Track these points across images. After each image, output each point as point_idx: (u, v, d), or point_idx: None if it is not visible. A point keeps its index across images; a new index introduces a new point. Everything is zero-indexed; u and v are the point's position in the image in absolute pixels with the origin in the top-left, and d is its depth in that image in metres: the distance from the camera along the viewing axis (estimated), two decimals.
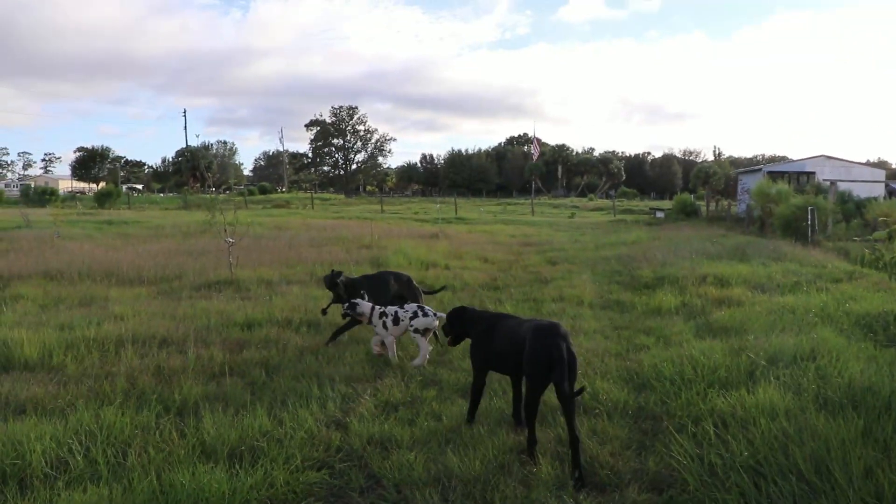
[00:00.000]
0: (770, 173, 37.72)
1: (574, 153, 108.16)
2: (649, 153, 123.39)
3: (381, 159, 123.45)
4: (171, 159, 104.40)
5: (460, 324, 5.57)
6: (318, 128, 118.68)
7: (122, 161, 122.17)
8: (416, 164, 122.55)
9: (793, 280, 11.55)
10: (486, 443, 4.80)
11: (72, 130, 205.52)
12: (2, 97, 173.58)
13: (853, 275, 12.29)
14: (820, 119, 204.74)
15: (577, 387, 4.61)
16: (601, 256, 17.19)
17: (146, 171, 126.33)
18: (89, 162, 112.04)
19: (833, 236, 21.04)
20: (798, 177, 37.55)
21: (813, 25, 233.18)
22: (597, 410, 5.48)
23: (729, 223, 31.23)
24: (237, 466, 4.37)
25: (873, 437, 4.38)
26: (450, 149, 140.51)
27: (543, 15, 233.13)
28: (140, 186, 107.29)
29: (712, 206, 42.65)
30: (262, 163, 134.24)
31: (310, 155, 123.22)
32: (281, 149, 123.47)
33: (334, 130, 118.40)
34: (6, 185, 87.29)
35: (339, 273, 8.24)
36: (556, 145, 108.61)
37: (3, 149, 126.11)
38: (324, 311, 8.33)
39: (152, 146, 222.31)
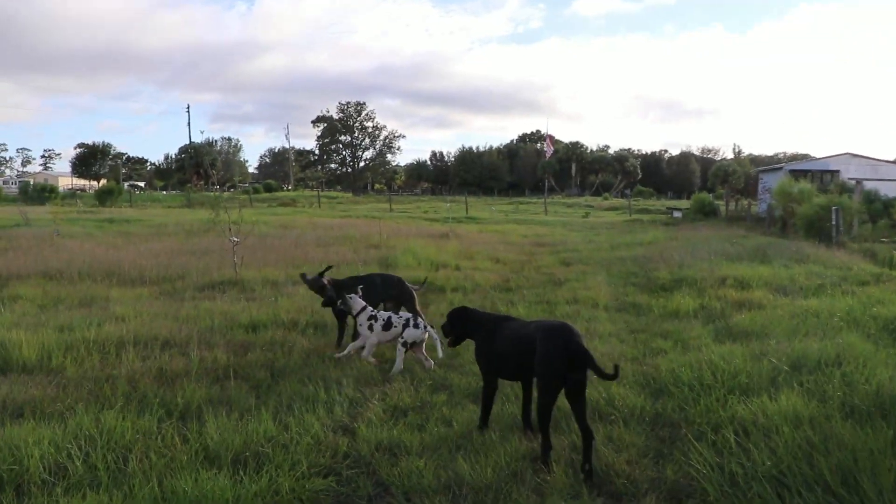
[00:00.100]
0: (792, 172, 37.48)
1: (588, 151, 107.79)
2: (666, 151, 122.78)
3: (389, 157, 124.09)
4: (174, 156, 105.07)
5: (461, 324, 5.55)
6: (325, 124, 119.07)
7: (124, 158, 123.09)
8: (426, 161, 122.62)
9: (816, 283, 11.47)
10: (498, 449, 4.78)
11: (72, 126, 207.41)
12: (1, 92, 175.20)
13: (880, 277, 12.21)
14: (845, 116, 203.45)
15: (587, 393, 4.59)
16: (616, 257, 17.15)
17: (148, 168, 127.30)
18: (90, 158, 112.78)
19: (859, 237, 20.87)
20: (822, 175, 37.31)
21: (838, 19, 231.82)
22: (612, 417, 5.45)
23: (749, 223, 31.07)
24: (241, 473, 4.37)
25: None
26: (460, 146, 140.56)
27: (557, 8, 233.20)
28: (142, 184, 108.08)
29: (732, 205, 42.40)
30: (268, 160, 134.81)
31: (316, 152, 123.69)
32: (287, 146, 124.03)
33: (342, 127, 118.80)
34: (4, 183, 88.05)
35: (322, 274, 8.09)
36: (570, 142, 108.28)
37: (1, 145, 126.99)
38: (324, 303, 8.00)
39: (155, 143, 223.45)
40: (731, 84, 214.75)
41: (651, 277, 13.05)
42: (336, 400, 5.85)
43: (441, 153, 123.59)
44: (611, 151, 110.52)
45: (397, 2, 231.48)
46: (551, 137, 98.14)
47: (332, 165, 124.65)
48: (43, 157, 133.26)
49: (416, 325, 7.01)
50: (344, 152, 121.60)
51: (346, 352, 7.33)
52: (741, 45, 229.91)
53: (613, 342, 7.98)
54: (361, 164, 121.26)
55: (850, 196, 24.47)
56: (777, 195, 26.97)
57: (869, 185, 29.28)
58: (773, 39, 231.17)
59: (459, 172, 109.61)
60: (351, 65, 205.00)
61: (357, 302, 7.40)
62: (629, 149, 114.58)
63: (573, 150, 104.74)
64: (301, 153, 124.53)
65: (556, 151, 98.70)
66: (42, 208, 36.05)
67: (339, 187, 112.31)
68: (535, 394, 4.93)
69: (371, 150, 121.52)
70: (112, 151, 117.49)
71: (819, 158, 42.40)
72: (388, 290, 8.37)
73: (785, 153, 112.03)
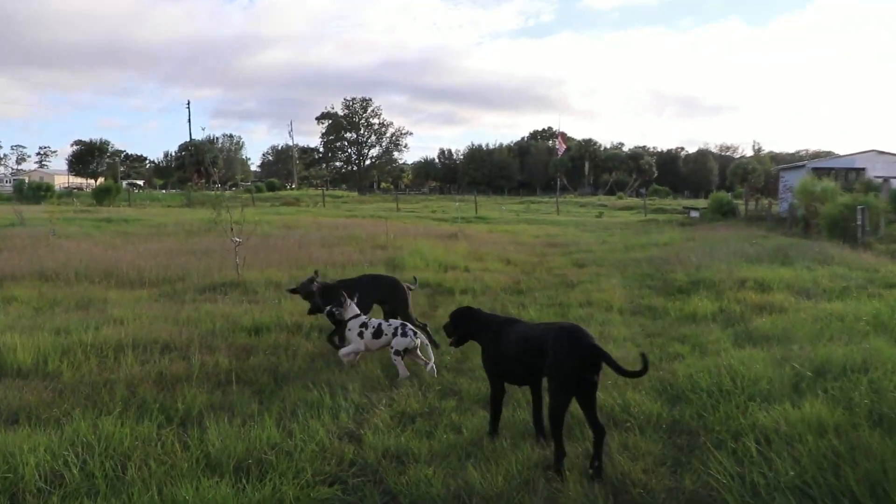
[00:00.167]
0: (815, 169, 37.24)
1: (602, 148, 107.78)
2: (683, 148, 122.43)
3: (396, 154, 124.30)
4: (174, 154, 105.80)
5: (465, 324, 5.55)
6: (330, 121, 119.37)
7: (122, 155, 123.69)
8: (434, 159, 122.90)
9: (841, 285, 11.40)
10: (509, 457, 4.76)
11: (69, 123, 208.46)
12: None
13: None
14: (870, 111, 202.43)
15: (598, 393, 4.58)
16: (631, 258, 17.11)
17: (148, 166, 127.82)
18: (87, 156, 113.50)
19: (886, 238, 20.75)
20: (846, 173, 37.12)
21: (864, 10, 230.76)
22: (628, 424, 5.43)
23: (770, 223, 30.92)
24: (244, 481, 4.37)
25: None
26: (469, 143, 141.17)
27: (569, 1, 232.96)
28: (141, 182, 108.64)
29: (751, 205, 42.18)
30: (271, 158, 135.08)
31: (321, 149, 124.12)
32: (290, 143, 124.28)
33: (347, 124, 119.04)
34: None
35: (313, 279, 8.10)
36: (583, 140, 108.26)
37: None
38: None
39: (154, 140, 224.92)
40: (751, 79, 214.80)
41: (667, 279, 13.01)
42: (342, 406, 5.85)
43: (449, 151, 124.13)
44: (625, 149, 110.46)
45: None
46: (563, 135, 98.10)
47: (337, 163, 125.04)
48: (39, 154, 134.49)
49: (404, 334, 6.99)
50: (349, 150, 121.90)
51: (352, 358, 7.30)
52: (761, 39, 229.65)
53: (629, 346, 7.95)
54: (367, 162, 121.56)
55: (877, 195, 24.37)
56: (799, 194, 26.86)
57: None
58: (795, 32, 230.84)
59: (468, 171, 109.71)
60: (356, 59, 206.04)
61: (351, 309, 7.39)
62: (644, 146, 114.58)
63: (586, 148, 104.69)
64: (305, 151, 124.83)
65: (568, 149, 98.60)
66: (37, 207, 36.29)
67: (344, 186, 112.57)
68: (546, 399, 4.92)
69: (377, 147, 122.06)
70: (110, 149, 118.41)
71: (843, 156, 42.08)
72: (379, 293, 8.32)
73: (807, 150, 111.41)
